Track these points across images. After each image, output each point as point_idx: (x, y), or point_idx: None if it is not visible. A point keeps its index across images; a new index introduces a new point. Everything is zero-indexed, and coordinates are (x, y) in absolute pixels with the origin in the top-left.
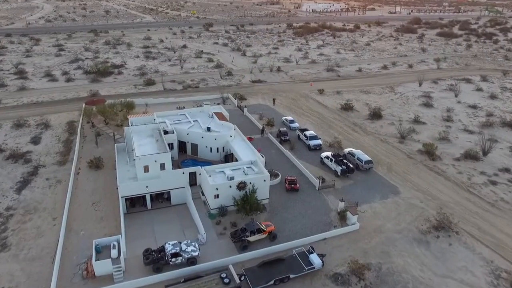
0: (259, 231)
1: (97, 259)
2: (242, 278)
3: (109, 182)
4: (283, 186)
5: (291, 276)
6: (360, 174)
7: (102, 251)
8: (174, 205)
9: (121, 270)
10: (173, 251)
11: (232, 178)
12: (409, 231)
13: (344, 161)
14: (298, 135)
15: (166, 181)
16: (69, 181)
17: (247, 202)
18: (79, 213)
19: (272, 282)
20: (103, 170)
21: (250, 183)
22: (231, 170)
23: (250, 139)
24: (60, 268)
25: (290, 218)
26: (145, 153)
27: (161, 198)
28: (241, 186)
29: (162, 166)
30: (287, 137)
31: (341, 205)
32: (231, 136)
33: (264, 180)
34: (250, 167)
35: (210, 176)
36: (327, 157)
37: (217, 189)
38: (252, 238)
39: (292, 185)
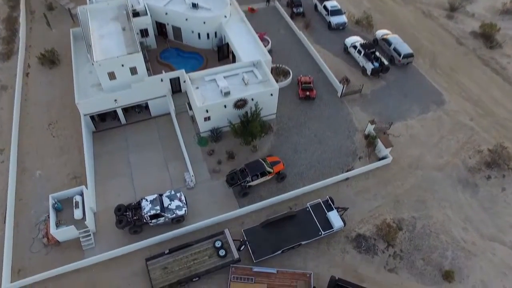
0: (264, 174)
1: (57, 224)
2: (242, 247)
3: (69, 87)
4: (294, 90)
5: (303, 243)
6: (395, 71)
7: (63, 208)
8: (155, 117)
9: (90, 235)
10: (152, 212)
11: (227, 94)
12: (453, 167)
13: (377, 54)
14: (315, 6)
15: (141, 91)
16: (15, 88)
17: (248, 131)
18: (33, 141)
19: (279, 252)
20: (59, 67)
21: (252, 99)
22: (226, 77)
23: (251, 10)
24: (15, 231)
25: (303, 145)
26: (107, 54)
27: (138, 107)
28: (240, 104)
29: (133, 71)
30: (301, 9)
31: (370, 128)
32: (225, 16)
33: (272, 94)
34: (252, 71)
35: (197, 88)
36: (354, 47)
37: (207, 111)
38: (254, 183)
39: (308, 92)
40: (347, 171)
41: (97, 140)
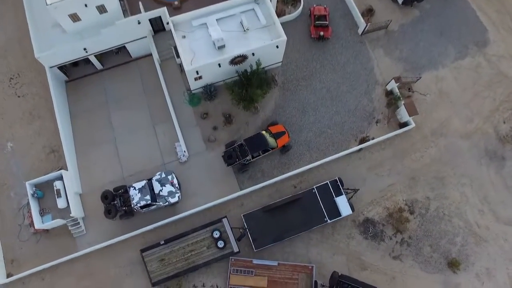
0: (266, 150)
1: (41, 213)
2: (242, 238)
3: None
4: (305, 24)
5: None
6: None
7: (44, 194)
8: (136, 59)
9: (78, 222)
10: (142, 202)
11: (221, 47)
12: (482, 135)
13: None
14: None
15: (114, 35)
16: None
17: (248, 95)
18: None
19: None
20: None
21: (253, 54)
22: (220, 20)
23: None
24: None
25: (312, 104)
26: None
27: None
28: (238, 61)
29: (101, 9)
30: None
31: (394, 85)
32: None
33: (278, 47)
34: (253, 10)
35: (184, 37)
36: None
37: (197, 72)
38: (255, 159)
39: (321, 32)
40: (361, 141)
41: (72, 92)
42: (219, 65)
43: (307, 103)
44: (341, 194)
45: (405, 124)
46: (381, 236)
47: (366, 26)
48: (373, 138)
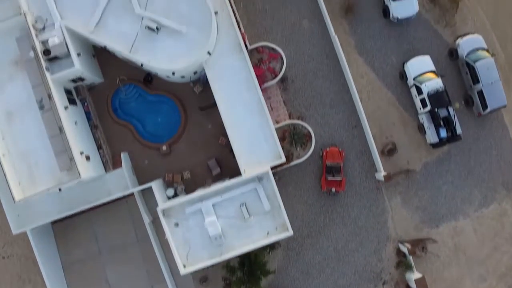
0: None
1: None
2: None
3: None
4: (315, 166)
5: None
6: (466, 122)
7: None
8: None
9: None
10: None
11: (218, 240)
12: None
13: (450, 112)
14: None
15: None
16: None
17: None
18: None
19: None
20: None
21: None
22: (216, 205)
23: None
24: None
25: (317, 265)
26: (28, 187)
27: None
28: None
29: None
30: None
31: (405, 248)
32: (208, 53)
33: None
34: (256, 190)
35: (176, 225)
36: (418, 88)
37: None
38: None
39: (334, 186)
40: None
41: (61, 239)
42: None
43: (311, 264)
44: None
45: None
46: None
47: (384, 180)
48: None
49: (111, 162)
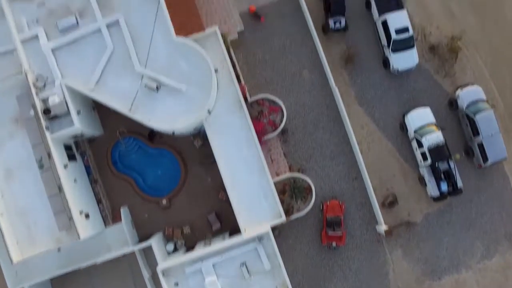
0: None
1: None
2: None
3: None
4: (315, 219)
5: None
6: (467, 174)
7: None
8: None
9: None
10: None
11: None
12: None
13: (450, 166)
14: (367, 3)
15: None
16: None
17: None
18: None
19: None
20: None
21: None
22: (216, 265)
23: (255, 15)
24: None
25: None
26: (26, 248)
27: None
28: None
29: None
30: (342, 23)
31: None
32: (208, 111)
33: None
34: (256, 250)
35: (176, 285)
36: (418, 142)
37: None
38: None
39: (335, 241)
40: None
41: None
42: None
43: None
44: None
45: None
46: None
47: (384, 230)
48: None
49: (111, 217)
